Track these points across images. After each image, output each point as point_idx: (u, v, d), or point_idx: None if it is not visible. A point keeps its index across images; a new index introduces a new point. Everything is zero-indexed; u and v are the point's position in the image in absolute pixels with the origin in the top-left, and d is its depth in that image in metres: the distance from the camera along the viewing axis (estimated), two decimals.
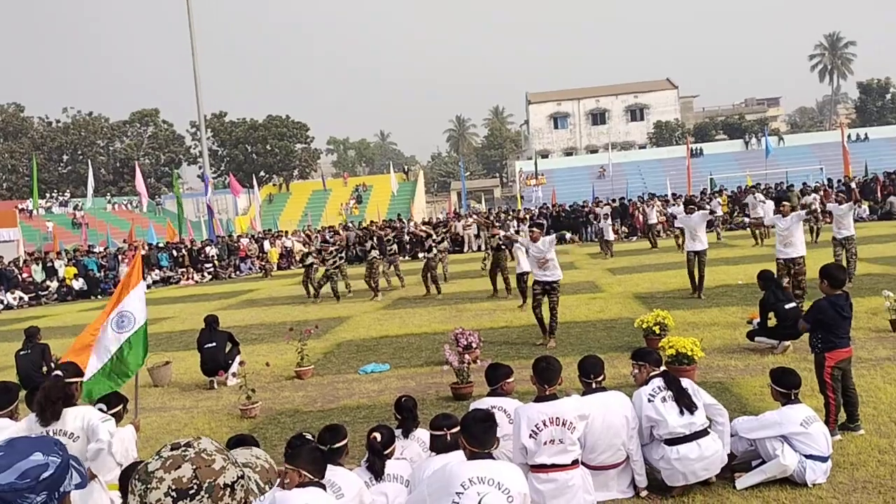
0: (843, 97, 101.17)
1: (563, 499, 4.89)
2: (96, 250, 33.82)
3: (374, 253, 19.16)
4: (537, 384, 5.27)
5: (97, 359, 6.89)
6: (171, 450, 1.69)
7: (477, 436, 4.10)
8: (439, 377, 9.58)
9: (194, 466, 1.66)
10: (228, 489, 1.67)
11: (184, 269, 33.23)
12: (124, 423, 5.67)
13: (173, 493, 1.62)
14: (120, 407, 5.79)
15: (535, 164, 50.53)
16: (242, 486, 1.70)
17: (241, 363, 10.48)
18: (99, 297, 28.85)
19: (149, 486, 1.63)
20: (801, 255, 11.73)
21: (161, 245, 35.75)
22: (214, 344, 10.61)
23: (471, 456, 4.11)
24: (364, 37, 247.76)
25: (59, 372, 5.10)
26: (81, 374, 5.25)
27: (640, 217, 34.03)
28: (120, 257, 31.94)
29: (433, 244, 18.82)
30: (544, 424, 4.99)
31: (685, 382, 5.53)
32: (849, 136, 47.46)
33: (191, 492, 1.63)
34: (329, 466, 4.75)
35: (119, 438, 4.83)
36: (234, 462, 1.72)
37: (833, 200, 16.64)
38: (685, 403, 5.30)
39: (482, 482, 3.88)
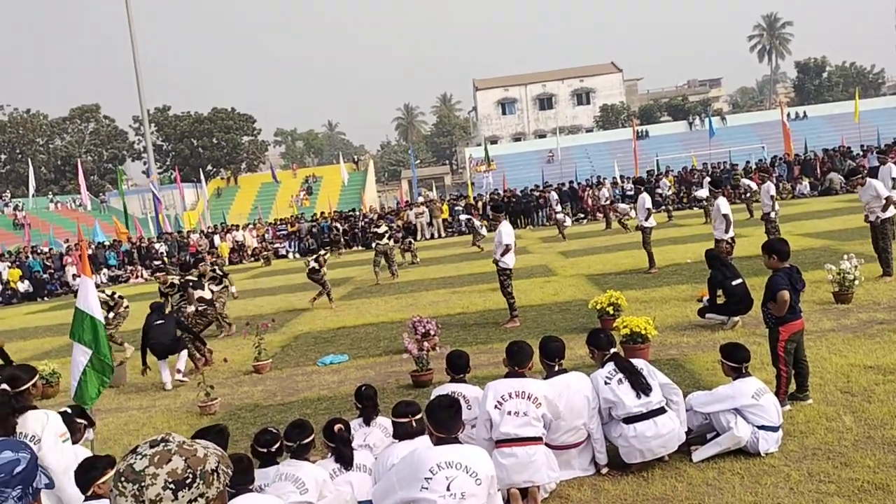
0: (782, 77, 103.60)
1: (527, 473, 4.99)
2: (40, 251, 32.95)
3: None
4: (509, 366, 5.46)
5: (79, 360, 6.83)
6: (151, 447, 1.73)
7: (443, 421, 4.17)
8: (399, 365, 9.64)
9: (184, 458, 1.72)
10: (215, 474, 1.75)
11: (132, 267, 32.62)
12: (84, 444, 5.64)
13: (171, 486, 1.67)
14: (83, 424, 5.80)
15: (486, 150, 50.60)
16: (223, 469, 1.78)
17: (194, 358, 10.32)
18: (46, 298, 28.16)
19: (143, 484, 1.67)
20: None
21: (108, 244, 35.00)
22: (163, 321, 10.42)
23: (437, 441, 4.17)
24: (307, 26, 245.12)
25: (5, 386, 4.94)
26: (35, 375, 5.13)
27: (590, 200, 34.45)
28: (65, 258, 31.16)
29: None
30: (510, 396, 5.18)
31: (639, 363, 5.65)
32: (788, 115, 48.54)
33: (187, 481, 1.69)
34: (293, 461, 4.83)
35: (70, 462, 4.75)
36: (209, 449, 1.79)
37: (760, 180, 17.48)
38: (640, 387, 5.42)
39: (450, 466, 3.95)
